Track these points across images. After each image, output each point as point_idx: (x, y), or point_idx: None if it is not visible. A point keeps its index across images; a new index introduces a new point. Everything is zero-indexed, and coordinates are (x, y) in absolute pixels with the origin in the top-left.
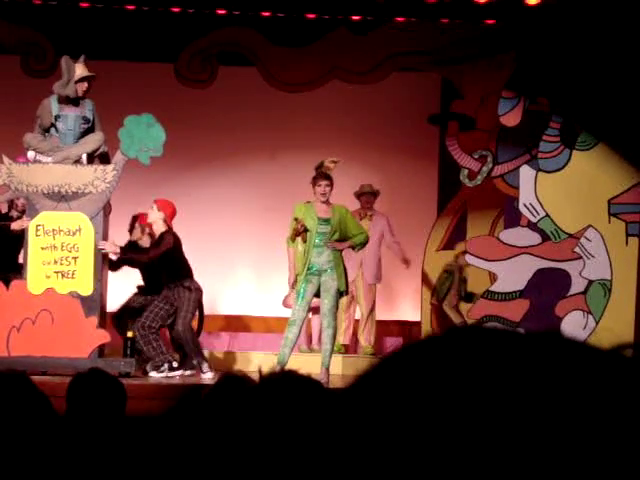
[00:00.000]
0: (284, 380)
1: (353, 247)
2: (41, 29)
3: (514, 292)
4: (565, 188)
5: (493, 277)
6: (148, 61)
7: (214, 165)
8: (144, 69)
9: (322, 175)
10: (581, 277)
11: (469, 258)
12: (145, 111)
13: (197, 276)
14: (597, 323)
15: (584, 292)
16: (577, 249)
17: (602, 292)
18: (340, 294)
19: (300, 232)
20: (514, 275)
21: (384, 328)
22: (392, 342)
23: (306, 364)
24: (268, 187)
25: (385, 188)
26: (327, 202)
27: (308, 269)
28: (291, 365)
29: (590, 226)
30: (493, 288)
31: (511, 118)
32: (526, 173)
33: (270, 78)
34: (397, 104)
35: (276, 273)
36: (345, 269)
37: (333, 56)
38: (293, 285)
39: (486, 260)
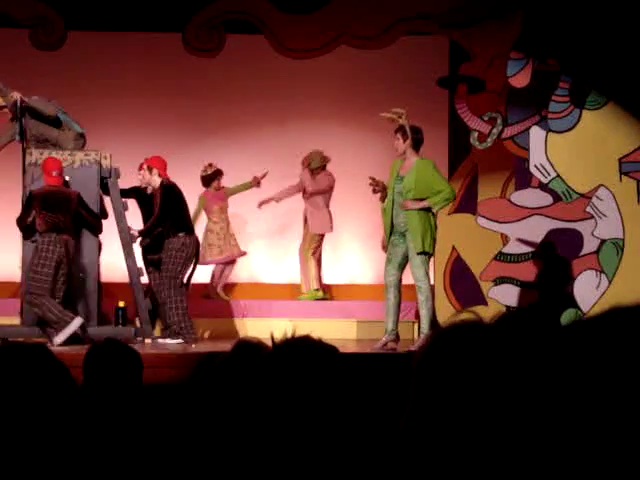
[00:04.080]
0: (298, 345)
1: (431, 207)
2: (50, 1)
3: (527, 253)
4: (575, 148)
5: (505, 239)
6: (156, 31)
7: (224, 134)
8: (151, 39)
9: (395, 129)
10: (593, 237)
11: (481, 220)
12: (154, 80)
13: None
14: (610, 282)
15: (596, 252)
16: (589, 209)
17: (614, 251)
18: (425, 255)
19: (376, 191)
20: (526, 236)
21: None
22: (409, 306)
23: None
24: (279, 155)
25: (395, 153)
26: (412, 157)
27: (391, 231)
28: (305, 329)
29: (601, 185)
30: (505, 250)
31: (520, 79)
32: (536, 134)
33: (278, 45)
34: (405, 68)
35: (290, 240)
36: (430, 228)
37: (340, 22)
38: (383, 247)
39: (498, 222)
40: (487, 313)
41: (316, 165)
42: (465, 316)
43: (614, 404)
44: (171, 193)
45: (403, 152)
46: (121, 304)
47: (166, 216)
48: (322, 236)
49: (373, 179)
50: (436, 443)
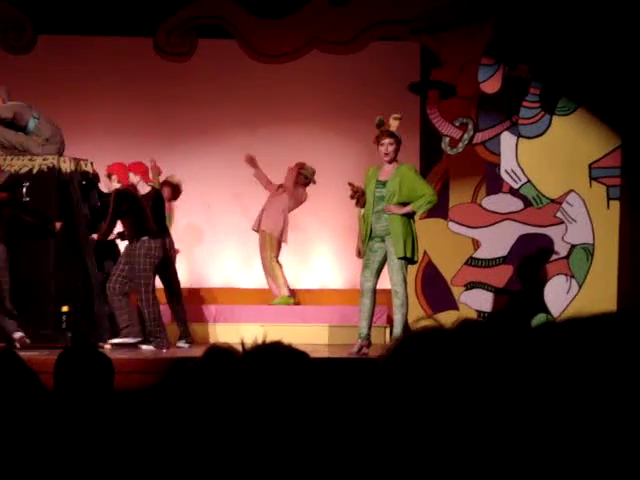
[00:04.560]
0: (268, 352)
1: (414, 212)
2: (19, 5)
3: (497, 258)
4: (546, 153)
5: (476, 244)
6: (127, 35)
7: (196, 139)
8: (123, 43)
9: (385, 133)
10: (563, 242)
11: (452, 225)
12: (125, 85)
13: (184, 250)
14: (580, 287)
15: (567, 257)
16: (559, 214)
17: (585, 256)
18: (407, 260)
19: (354, 197)
20: (497, 241)
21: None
22: (381, 310)
23: (291, 334)
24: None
25: (367, 158)
26: (392, 163)
27: (370, 236)
28: (276, 335)
29: (572, 191)
30: (477, 255)
31: (491, 85)
32: (507, 139)
33: (250, 50)
34: (377, 74)
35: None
36: (411, 234)
37: (312, 27)
38: (358, 253)
39: (469, 227)
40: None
41: (307, 173)
42: (425, 323)
43: (580, 410)
44: (121, 199)
45: (393, 158)
46: (64, 309)
47: (114, 222)
48: (280, 241)
49: (352, 185)
50: (400, 447)
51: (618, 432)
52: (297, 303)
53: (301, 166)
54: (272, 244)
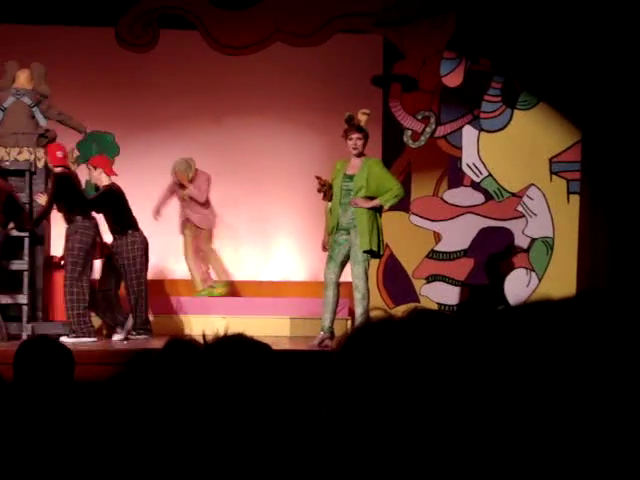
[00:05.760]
0: (230, 343)
1: (382, 205)
2: None
3: (458, 251)
4: (507, 147)
5: (438, 237)
6: (89, 25)
7: (159, 130)
8: (85, 33)
9: (354, 127)
10: (524, 235)
11: (414, 218)
12: (87, 75)
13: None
14: (540, 280)
15: (527, 250)
16: (520, 208)
17: (545, 249)
18: (371, 254)
19: (321, 190)
20: (458, 234)
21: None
22: (343, 303)
23: (253, 326)
24: (215, 152)
25: (330, 151)
26: (360, 157)
27: (336, 229)
28: (238, 327)
29: (532, 185)
30: (438, 248)
31: (453, 79)
32: (469, 133)
33: (212, 41)
34: (340, 66)
35: (220, 237)
36: (377, 227)
37: (275, 19)
38: (324, 247)
39: (430, 220)
40: None
41: (192, 173)
42: (376, 313)
43: (528, 397)
44: None
45: (361, 152)
46: None
47: None
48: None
49: (319, 178)
50: (351, 440)
51: (575, 415)
52: (226, 294)
53: (185, 178)
54: (208, 235)
